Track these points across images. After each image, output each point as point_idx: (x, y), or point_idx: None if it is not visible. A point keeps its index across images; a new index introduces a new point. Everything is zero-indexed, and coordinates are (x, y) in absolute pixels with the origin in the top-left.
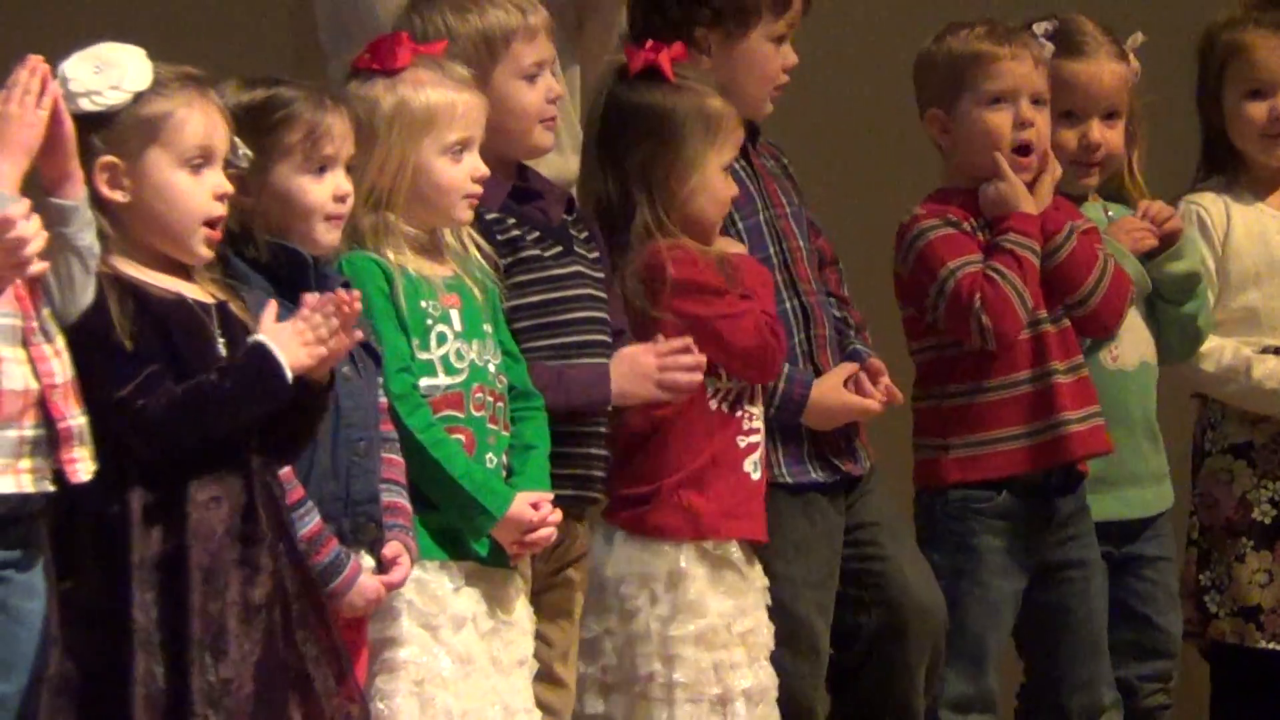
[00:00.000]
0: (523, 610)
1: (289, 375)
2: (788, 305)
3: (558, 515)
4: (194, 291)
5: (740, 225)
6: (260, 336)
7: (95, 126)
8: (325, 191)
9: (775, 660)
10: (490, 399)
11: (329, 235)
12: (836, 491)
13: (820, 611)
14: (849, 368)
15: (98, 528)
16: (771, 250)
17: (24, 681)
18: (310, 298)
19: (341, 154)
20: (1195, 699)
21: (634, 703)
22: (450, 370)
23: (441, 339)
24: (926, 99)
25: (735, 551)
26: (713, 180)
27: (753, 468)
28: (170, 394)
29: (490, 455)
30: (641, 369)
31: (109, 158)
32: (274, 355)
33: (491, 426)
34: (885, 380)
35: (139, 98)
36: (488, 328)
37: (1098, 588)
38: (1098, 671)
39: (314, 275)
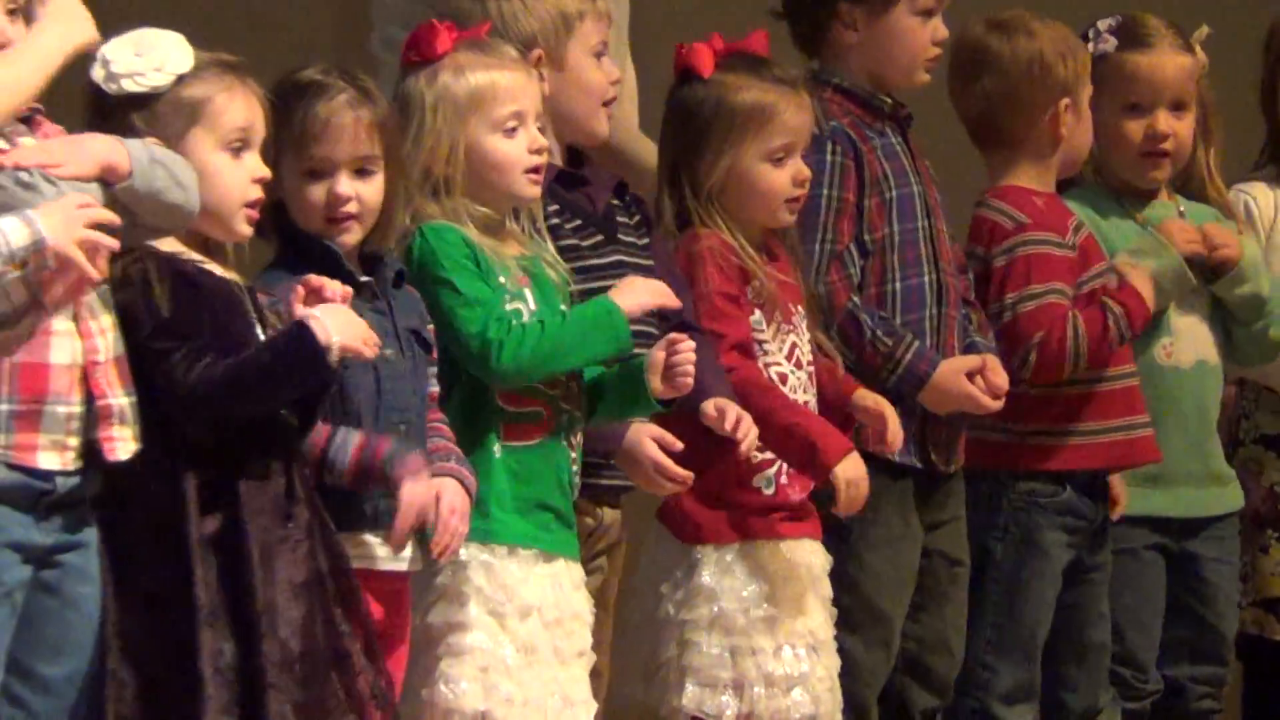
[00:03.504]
0: (583, 601)
1: (333, 356)
2: (926, 279)
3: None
4: (229, 274)
5: (894, 193)
6: (306, 313)
7: (137, 107)
8: (319, 194)
9: (846, 650)
10: (564, 377)
11: (342, 237)
12: (927, 488)
13: (899, 609)
14: (974, 360)
15: (152, 510)
16: (920, 223)
17: (75, 666)
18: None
19: (338, 155)
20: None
21: (654, 688)
22: None
23: (517, 316)
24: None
25: (761, 546)
26: (748, 171)
27: (765, 483)
28: (213, 369)
29: (564, 435)
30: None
31: (151, 139)
32: (315, 336)
33: (565, 406)
34: (997, 380)
35: (181, 80)
36: (564, 308)
37: (1104, 591)
38: (1099, 672)
39: (349, 267)
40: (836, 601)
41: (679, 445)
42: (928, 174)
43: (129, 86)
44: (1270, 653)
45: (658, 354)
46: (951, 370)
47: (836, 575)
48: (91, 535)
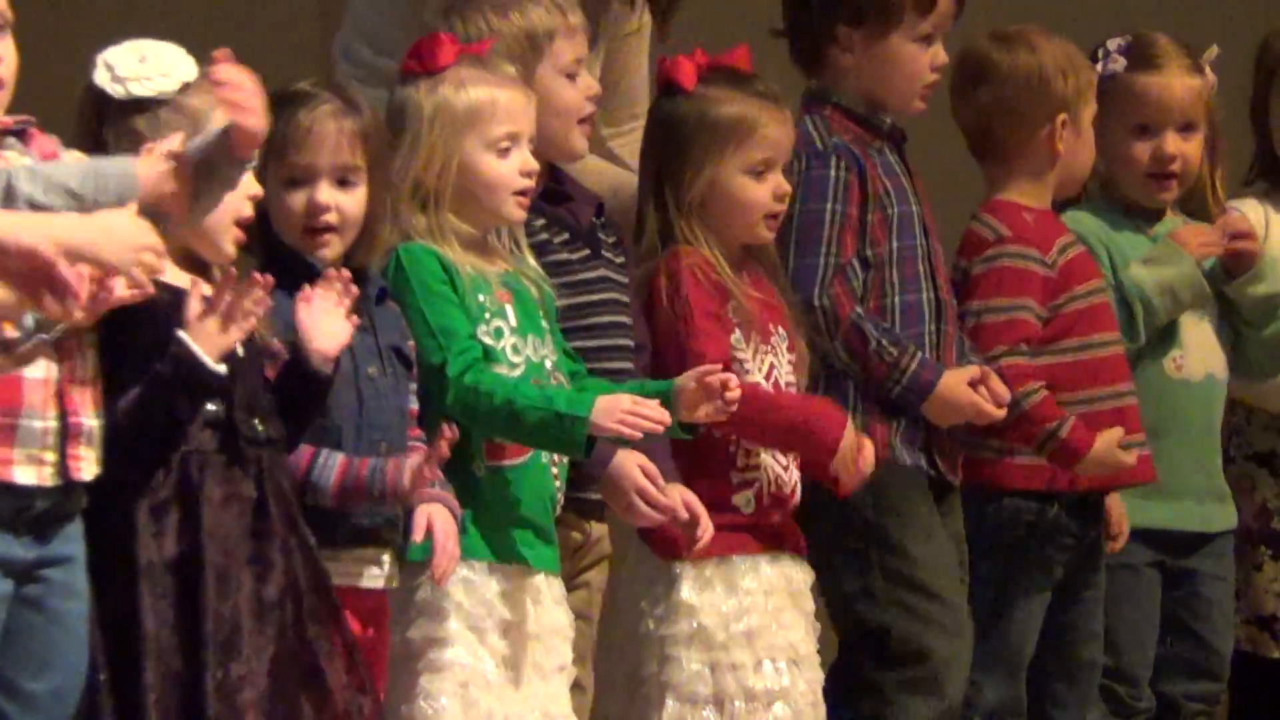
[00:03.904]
0: (563, 617)
1: (211, 365)
2: (924, 295)
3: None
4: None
5: (895, 210)
6: (179, 334)
7: (140, 111)
8: (298, 202)
9: (924, 646)
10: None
11: (320, 251)
12: (937, 497)
13: (960, 593)
14: (974, 370)
15: (109, 531)
16: (918, 241)
17: (62, 681)
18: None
19: (320, 164)
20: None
21: (636, 705)
22: (509, 365)
23: (498, 334)
24: (1056, 105)
25: (735, 559)
26: (729, 184)
27: (744, 503)
28: (117, 411)
29: (547, 453)
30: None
31: (153, 146)
32: (192, 352)
33: None
34: (999, 390)
35: (185, 89)
36: (545, 324)
37: (1100, 610)
38: (1089, 691)
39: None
40: (901, 601)
41: (661, 479)
42: (923, 194)
43: (135, 90)
44: (1263, 670)
45: (689, 383)
46: (956, 379)
47: (894, 575)
48: (79, 550)
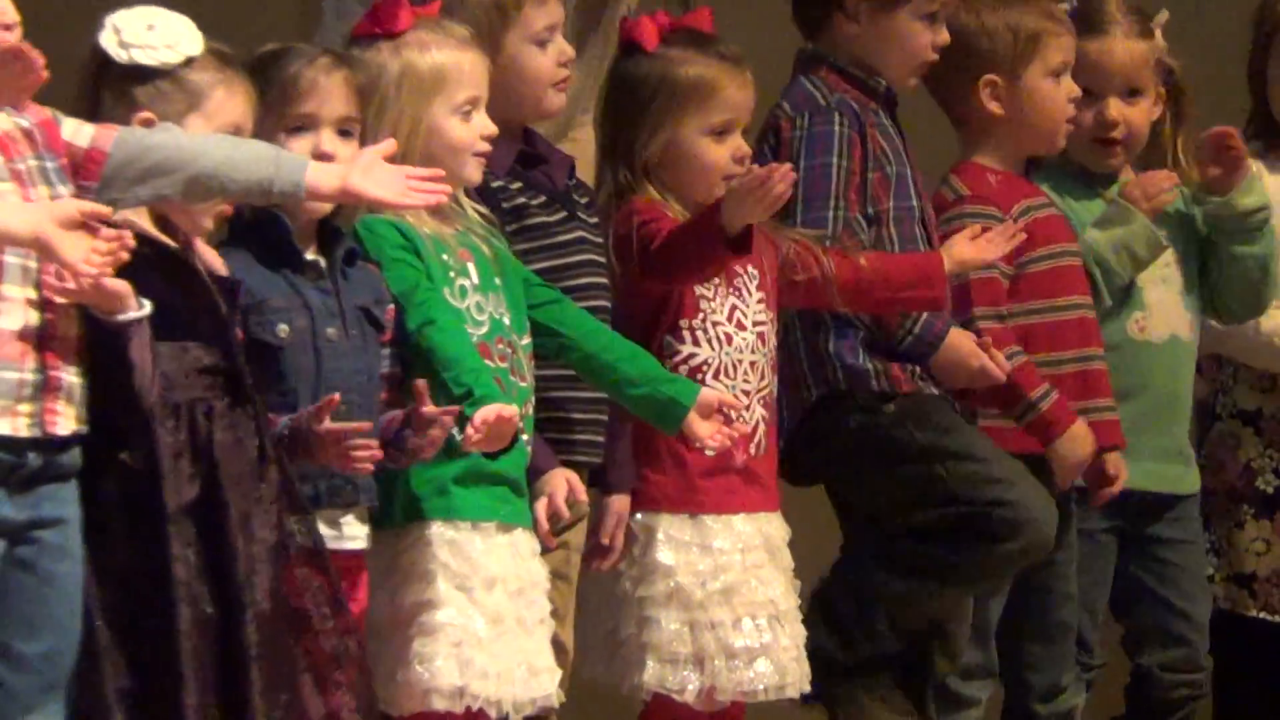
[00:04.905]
0: (539, 569)
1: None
2: None
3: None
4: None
5: (893, 170)
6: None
7: (141, 80)
8: (303, 151)
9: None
10: (509, 350)
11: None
12: None
13: (1017, 468)
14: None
15: (125, 480)
16: (914, 202)
17: (54, 644)
18: None
19: (324, 114)
20: None
21: (616, 666)
22: (474, 323)
23: (463, 292)
24: (979, 67)
25: (708, 520)
26: (689, 145)
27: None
28: None
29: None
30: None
31: (149, 114)
32: None
33: (512, 378)
34: (999, 353)
35: (189, 63)
36: (498, 281)
37: (1072, 571)
38: (1064, 651)
39: (296, 244)
40: (952, 515)
41: (584, 496)
42: (914, 158)
43: (139, 58)
44: (1243, 628)
45: (711, 397)
46: (964, 335)
47: (966, 477)
48: (74, 512)
